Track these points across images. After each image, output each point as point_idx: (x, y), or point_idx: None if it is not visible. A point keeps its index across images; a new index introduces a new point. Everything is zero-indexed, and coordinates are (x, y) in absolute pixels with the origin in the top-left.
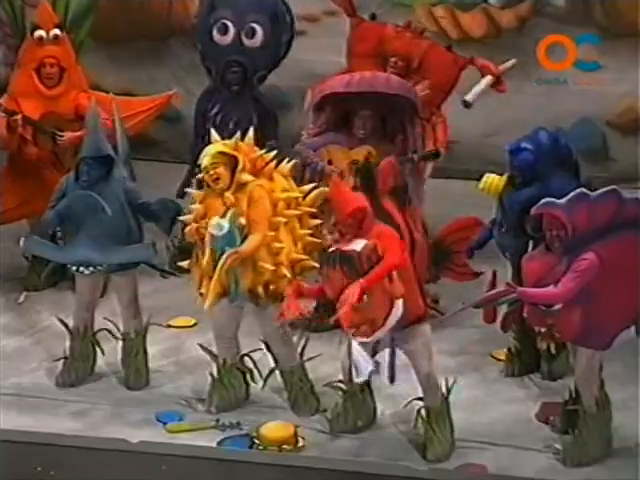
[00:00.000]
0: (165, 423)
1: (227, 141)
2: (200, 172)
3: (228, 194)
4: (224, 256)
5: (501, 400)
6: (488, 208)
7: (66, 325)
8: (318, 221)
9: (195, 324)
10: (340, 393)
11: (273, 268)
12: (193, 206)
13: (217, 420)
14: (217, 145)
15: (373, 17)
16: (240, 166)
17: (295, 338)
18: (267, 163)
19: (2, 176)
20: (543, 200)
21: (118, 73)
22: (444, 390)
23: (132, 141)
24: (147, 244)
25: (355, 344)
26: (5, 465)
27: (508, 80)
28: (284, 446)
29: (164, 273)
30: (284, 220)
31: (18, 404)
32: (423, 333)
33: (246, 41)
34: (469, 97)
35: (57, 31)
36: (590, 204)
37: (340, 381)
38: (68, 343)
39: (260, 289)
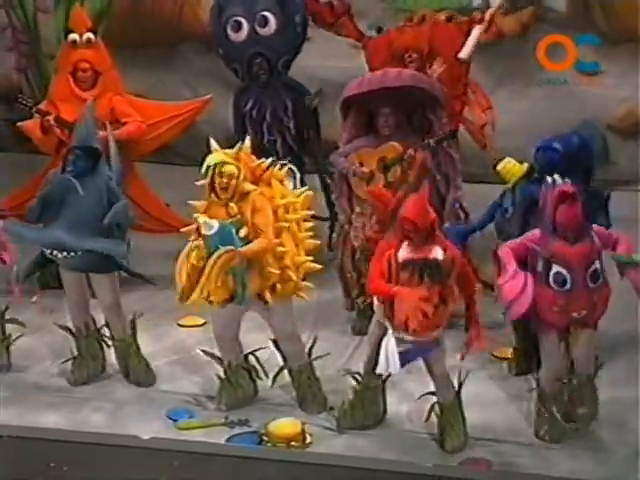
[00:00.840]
0: (176, 420)
1: (228, 150)
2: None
3: (232, 204)
4: (217, 252)
5: (503, 397)
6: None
7: (67, 328)
8: (311, 224)
9: (204, 323)
10: (353, 386)
11: (279, 272)
12: (197, 216)
13: (226, 417)
14: (218, 155)
15: (379, 30)
16: (242, 176)
17: (304, 337)
18: (264, 170)
19: (41, 179)
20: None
21: (130, 77)
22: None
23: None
24: (122, 241)
25: (392, 338)
26: (19, 461)
27: (510, 86)
28: (292, 443)
29: (141, 279)
30: (286, 225)
31: (31, 402)
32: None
33: (261, 31)
34: (463, 54)
35: (90, 35)
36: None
37: (358, 373)
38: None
39: (267, 292)
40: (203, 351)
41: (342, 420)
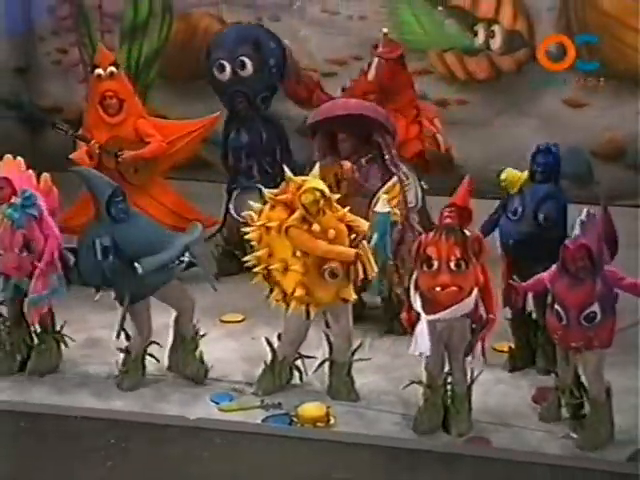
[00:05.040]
0: (218, 403)
1: (318, 180)
2: None
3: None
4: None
5: (504, 387)
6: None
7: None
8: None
9: (243, 319)
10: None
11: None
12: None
13: (262, 401)
14: (315, 181)
15: (344, 89)
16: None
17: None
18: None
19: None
20: (575, 235)
21: (183, 107)
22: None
23: (188, 163)
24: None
25: (424, 321)
26: (85, 437)
27: (507, 116)
28: (318, 423)
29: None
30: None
31: (92, 387)
32: (463, 327)
33: (240, 72)
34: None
35: (112, 68)
36: (589, 228)
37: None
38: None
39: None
40: (267, 340)
41: (419, 424)
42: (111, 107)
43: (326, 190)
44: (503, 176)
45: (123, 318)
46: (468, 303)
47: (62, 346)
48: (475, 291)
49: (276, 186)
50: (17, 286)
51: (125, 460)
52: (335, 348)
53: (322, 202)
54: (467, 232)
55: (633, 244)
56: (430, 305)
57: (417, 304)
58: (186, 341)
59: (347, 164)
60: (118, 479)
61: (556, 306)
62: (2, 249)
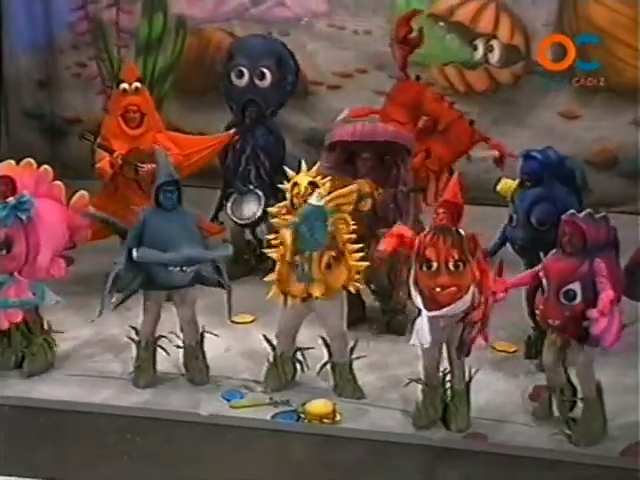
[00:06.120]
0: (229, 400)
1: (308, 174)
2: None
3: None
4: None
5: (502, 385)
6: (490, 226)
7: (135, 334)
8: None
9: (253, 320)
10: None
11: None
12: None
13: (271, 398)
14: (305, 176)
15: (418, 78)
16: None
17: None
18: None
19: (98, 199)
20: (569, 212)
21: (194, 118)
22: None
23: (200, 172)
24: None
25: (425, 316)
26: (102, 433)
27: (503, 127)
28: (324, 420)
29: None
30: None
31: (107, 384)
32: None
33: (258, 82)
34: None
35: (137, 84)
36: (594, 222)
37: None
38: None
39: (351, 285)
40: (264, 337)
41: (417, 419)
42: (133, 120)
43: (304, 182)
44: (499, 187)
45: (126, 297)
46: (466, 300)
47: (60, 346)
48: (472, 287)
49: (271, 194)
50: None
51: (140, 455)
52: (332, 350)
53: (302, 192)
54: (462, 231)
55: (630, 250)
56: (430, 303)
57: (418, 301)
58: (189, 347)
59: (370, 183)
60: (133, 473)
61: (542, 278)
62: None
